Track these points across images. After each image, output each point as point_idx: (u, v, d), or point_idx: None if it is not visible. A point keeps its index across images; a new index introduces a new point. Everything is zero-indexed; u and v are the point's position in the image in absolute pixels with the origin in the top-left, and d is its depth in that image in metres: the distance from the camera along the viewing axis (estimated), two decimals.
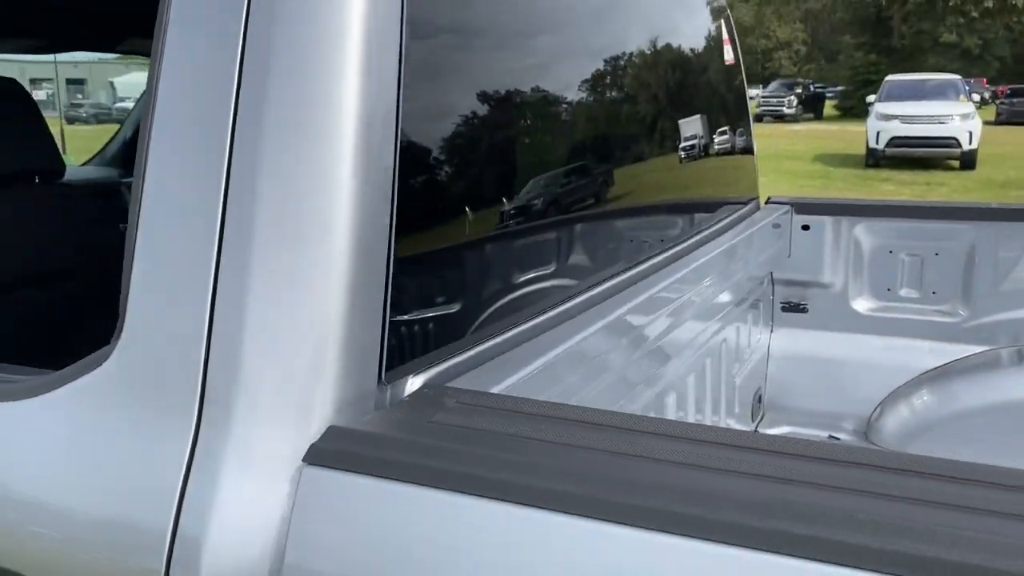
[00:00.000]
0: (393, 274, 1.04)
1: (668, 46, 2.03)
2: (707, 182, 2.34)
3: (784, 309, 2.77)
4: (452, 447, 0.93)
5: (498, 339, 1.26)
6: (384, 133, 1.02)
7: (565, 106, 1.56)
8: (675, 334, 1.80)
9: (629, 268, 1.70)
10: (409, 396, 1.07)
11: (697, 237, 2.07)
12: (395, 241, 1.04)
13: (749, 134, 2.70)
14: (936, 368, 2.46)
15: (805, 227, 2.72)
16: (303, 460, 0.95)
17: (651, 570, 0.80)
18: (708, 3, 2.46)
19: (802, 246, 2.72)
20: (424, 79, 1.11)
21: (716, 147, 2.36)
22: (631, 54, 1.81)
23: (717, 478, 0.86)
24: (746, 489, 0.84)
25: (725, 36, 2.50)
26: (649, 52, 1.91)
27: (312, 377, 0.98)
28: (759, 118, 30.39)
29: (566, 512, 0.83)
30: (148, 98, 1.04)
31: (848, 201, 3.02)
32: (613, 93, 1.77)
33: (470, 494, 0.87)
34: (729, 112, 2.52)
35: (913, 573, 0.72)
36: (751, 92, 8.55)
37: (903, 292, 2.65)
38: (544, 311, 1.40)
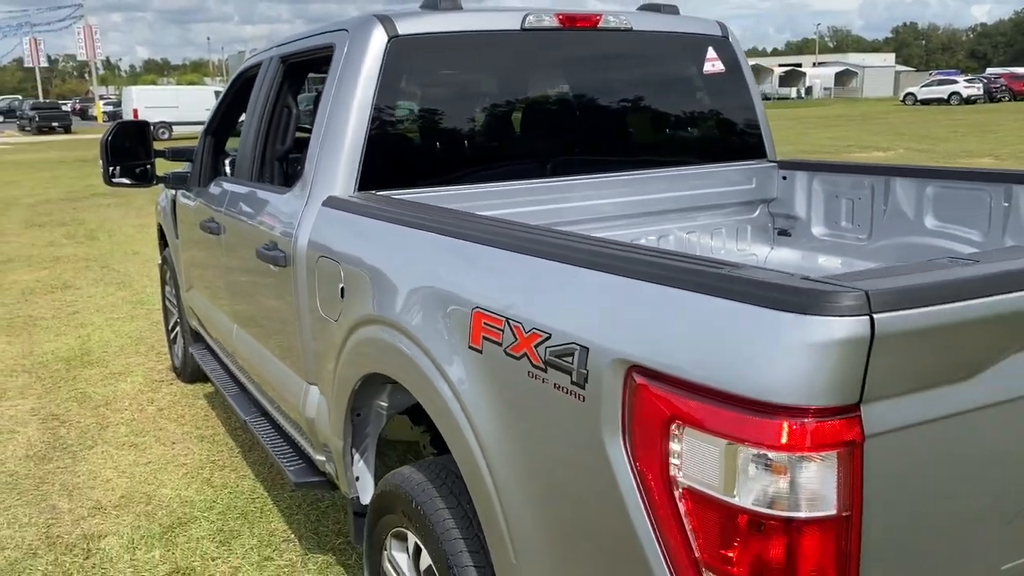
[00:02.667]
0: (363, 162, 2.78)
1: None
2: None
3: (779, 233, 3.77)
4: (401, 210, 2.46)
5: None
6: (360, 120, 2.78)
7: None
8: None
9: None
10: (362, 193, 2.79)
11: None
12: (365, 155, 2.80)
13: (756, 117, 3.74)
14: None
15: (784, 177, 3.64)
16: (323, 205, 2.77)
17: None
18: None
19: (783, 190, 3.72)
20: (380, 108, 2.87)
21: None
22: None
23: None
24: None
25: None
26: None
27: (342, 184, 2.77)
28: None
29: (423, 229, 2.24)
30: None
31: (810, 160, 3.81)
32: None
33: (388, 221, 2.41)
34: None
35: None
36: None
37: (843, 224, 3.47)
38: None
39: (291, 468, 3.16)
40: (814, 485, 1.21)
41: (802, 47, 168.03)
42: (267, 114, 3.55)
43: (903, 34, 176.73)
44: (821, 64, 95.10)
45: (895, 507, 1.25)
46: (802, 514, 1.22)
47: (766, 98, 75.46)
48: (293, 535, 3.68)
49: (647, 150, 3.48)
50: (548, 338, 1.60)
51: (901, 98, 57.92)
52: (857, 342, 1.16)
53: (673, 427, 1.32)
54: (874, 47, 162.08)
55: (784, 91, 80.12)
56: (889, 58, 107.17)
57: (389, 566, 2.43)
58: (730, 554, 1.27)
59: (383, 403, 2.64)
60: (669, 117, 3.54)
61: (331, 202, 2.75)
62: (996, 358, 1.29)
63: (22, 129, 51.67)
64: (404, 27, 2.88)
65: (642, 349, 1.40)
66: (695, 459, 1.29)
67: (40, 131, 47.15)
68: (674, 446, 1.33)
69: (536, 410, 1.65)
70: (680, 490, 1.32)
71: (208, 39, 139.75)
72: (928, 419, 1.25)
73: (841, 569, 1.23)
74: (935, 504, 1.30)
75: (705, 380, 1.28)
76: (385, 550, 2.44)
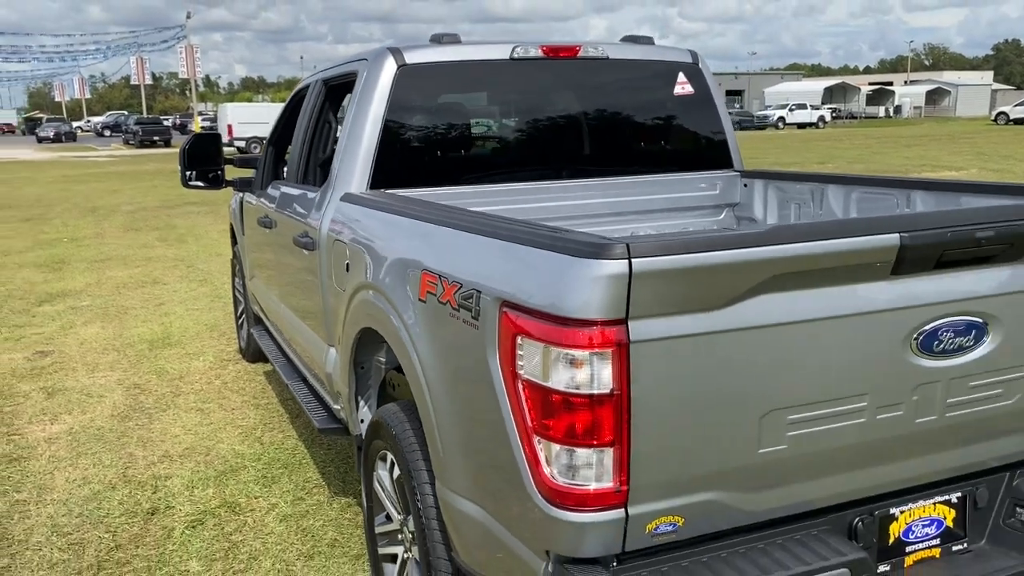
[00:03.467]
0: (374, 165, 3.49)
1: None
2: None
3: None
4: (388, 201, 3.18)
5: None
6: (373, 131, 3.49)
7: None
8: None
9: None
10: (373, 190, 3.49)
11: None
12: (377, 158, 3.50)
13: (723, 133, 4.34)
14: None
15: (745, 185, 4.17)
16: (340, 200, 3.49)
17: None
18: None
19: (745, 196, 4.26)
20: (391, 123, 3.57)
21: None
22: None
23: None
24: None
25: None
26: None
27: (357, 183, 3.48)
28: None
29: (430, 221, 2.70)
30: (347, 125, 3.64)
31: (767, 170, 4.29)
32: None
33: (376, 210, 3.17)
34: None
35: None
36: None
37: (792, 223, 3.97)
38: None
39: (316, 417, 3.84)
40: (598, 372, 1.80)
41: (896, 65, 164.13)
42: (311, 127, 4.28)
43: (1004, 51, 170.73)
44: (912, 82, 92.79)
45: (656, 390, 1.83)
46: (592, 391, 1.81)
47: (852, 117, 74.28)
48: (324, 482, 4.37)
49: (623, 160, 4.06)
50: (460, 287, 2.22)
51: (992, 117, 56.32)
52: (621, 277, 1.75)
53: (518, 338, 1.93)
54: (973, 65, 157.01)
55: (871, 110, 78.58)
56: (987, 76, 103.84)
57: (377, 484, 3.08)
58: (548, 422, 1.88)
59: (381, 359, 3.29)
60: (643, 131, 4.12)
61: (346, 197, 3.44)
62: (737, 297, 1.86)
63: (126, 143, 54.82)
64: (411, 57, 3.55)
65: (508, 288, 2.01)
66: (529, 358, 1.90)
67: (143, 144, 50.03)
68: (519, 351, 1.93)
69: (452, 339, 2.28)
70: (522, 381, 1.93)
71: (301, 58, 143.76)
72: (680, 334, 1.82)
73: (617, 427, 1.81)
74: (693, 394, 1.87)
75: (536, 306, 1.89)
76: (374, 471, 3.08)
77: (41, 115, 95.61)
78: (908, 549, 2.25)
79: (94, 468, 4.61)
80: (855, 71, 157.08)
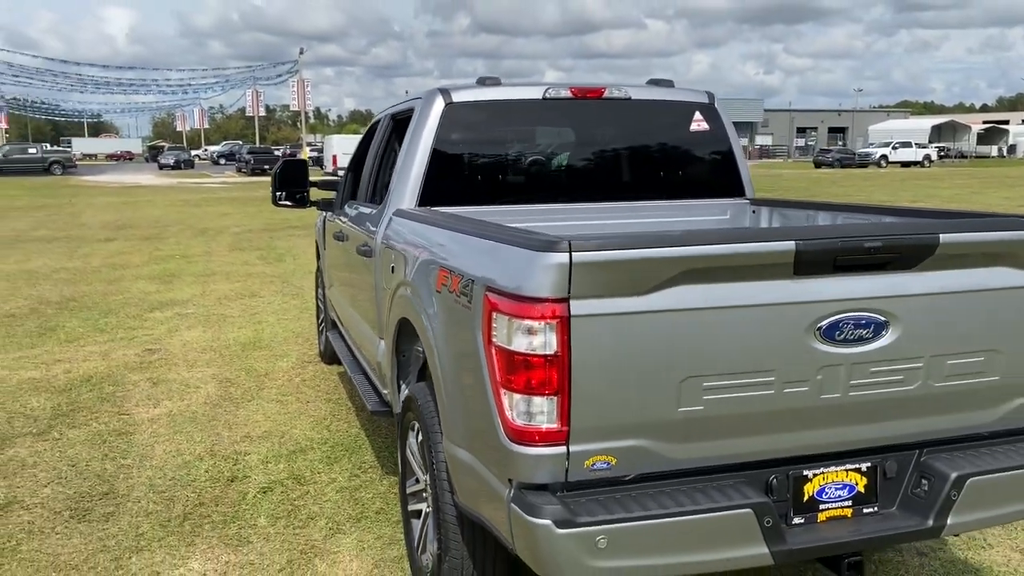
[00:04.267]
0: (422, 186, 4.15)
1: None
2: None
3: None
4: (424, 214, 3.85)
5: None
6: (423, 157, 4.15)
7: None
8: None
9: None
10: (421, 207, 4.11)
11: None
12: (425, 180, 4.14)
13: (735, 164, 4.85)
14: None
15: (754, 211, 4.62)
16: (393, 215, 4.15)
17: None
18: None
19: (753, 221, 4.70)
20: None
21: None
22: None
23: None
24: None
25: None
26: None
27: (408, 200, 4.15)
28: None
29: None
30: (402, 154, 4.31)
31: (773, 198, 4.72)
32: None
33: (416, 221, 3.81)
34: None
35: None
36: None
37: None
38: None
39: (370, 401, 4.49)
40: (547, 338, 2.36)
41: (1015, 103, 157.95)
42: (379, 154, 4.98)
43: None
44: None
45: (590, 354, 2.36)
46: (542, 352, 2.37)
47: (961, 156, 71.94)
48: (378, 464, 5.00)
49: (642, 186, 4.60)
50: (462, 278, 2.82)
51: None
52: (564, 266, 2.31)
53: (493, 314, 2.51)
54: None
55: (983, 149, 76.02)
56: None
57: (408, 450, 3.68)
58: (511, 377, 2.44)
59: (419, 348, 3.91)
60: (661, 162, 4.64)
61: (398, 212, 4.09)
62: (657, 285, 2.39)
63: (239, 170, 57.87)
64: (457, 97, 4.20)
65: (491, 276, 2.59)
66: (499, 329, 2.47)
67: (254, 172, 52.74)
68: (493, 324, 2.51)
69: (455, 320, 2.87)
70: (494, 347, 2.51)
71: (406, 92, 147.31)
72: (610, 312, 2.36)
73: (560, 381, 2.36)
74: (621, 359, 2.38)
75: (506, 288, 2.46)
76: (407, 439, 3.69)
77: (163, 143, 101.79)
78: (821, 507, 2.70)
79: (187, 443, 5.37)
80: (970, 109, 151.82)
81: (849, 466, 2.73)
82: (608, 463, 2.47)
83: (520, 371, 2.42)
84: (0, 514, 4.39)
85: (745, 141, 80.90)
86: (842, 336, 2.57)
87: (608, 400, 2.43)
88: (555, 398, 2.39)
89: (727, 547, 2.47)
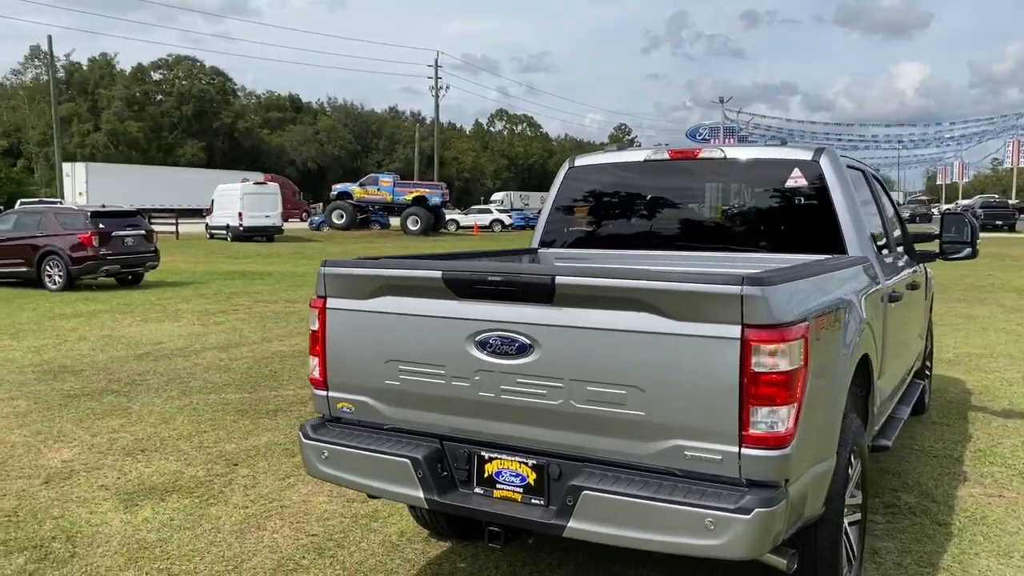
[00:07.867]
0: (543, 232, 5.51)
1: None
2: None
3: None
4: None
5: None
6: (547, 209, 5.49)
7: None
8: None
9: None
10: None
11: None
12: (544, 228, 5.50)
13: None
14: None
15: None
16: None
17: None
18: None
19: None
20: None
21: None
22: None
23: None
24: None
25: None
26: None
27: (535, 244, 5.52)
28: None
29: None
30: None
31: None
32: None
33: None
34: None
35: None
36: None
37: None
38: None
39: None
40: (312, 322, 3.75)
41: None
42: None
43: None
44: None
45: (335, 333, 3.64)
46: (311, 328, 3.78)
47: None
48: None
49: (735, 238, 4.86)
50: None
51: None
52: (323, 275, 3.71)
53: None
54: None
55: None
56: None
57: None
58: (312, 345, 3.90)
59: None
60: (754, 216, 4.83)
61: (529, 253, 5.39)
62: (370, 293, 3.54)
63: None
64: (578, 161, 5.32)
65: None
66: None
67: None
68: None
69: None
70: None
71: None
72: (346, 308, 3.61)
73: (321, 349, 3.74)
74: (351, 339, 3.59)
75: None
76: None
77: (926, 198, 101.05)
78: (498, 485, 3.37)
79: (235, 394, 7.38)
80: None
81: (519, 459, 3.35)
82: (349, 409, 3.73)
83: (312, 341, 3.86)
84: None
85: None
86: (492, 348, 3.31)
87: (344, 365, 3.71)
88: (318, 358, 3.78)
89: (395, 483, 3.48)
